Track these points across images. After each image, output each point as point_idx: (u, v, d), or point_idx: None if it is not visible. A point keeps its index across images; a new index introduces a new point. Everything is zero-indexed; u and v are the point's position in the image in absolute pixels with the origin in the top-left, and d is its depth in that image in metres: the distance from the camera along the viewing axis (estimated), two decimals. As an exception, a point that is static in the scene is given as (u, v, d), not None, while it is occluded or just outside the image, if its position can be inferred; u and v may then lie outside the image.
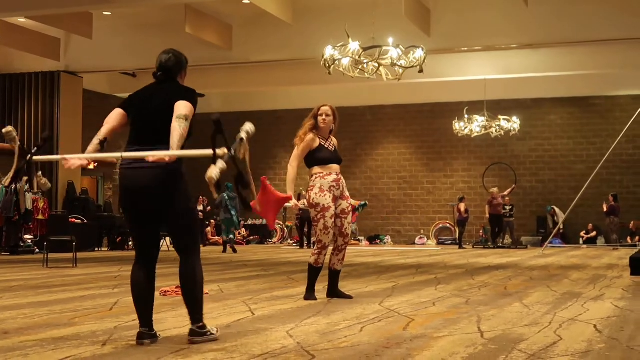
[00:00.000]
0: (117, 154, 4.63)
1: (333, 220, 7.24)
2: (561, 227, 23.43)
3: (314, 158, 7.33)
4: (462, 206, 23.61)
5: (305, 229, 23.32)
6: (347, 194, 7.45)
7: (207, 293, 8.10)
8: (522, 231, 25.59)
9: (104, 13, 19.68)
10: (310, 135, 7.31)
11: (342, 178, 7.44)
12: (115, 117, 4.81)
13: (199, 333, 4.78)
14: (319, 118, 7.34)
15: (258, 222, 28.03)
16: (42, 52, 21.36)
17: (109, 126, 4.76)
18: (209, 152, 4.39)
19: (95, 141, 4.70)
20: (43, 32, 20.98)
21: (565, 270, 12.43)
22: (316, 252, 7.34)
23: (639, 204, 25.05)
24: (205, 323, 4.86)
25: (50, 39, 21.53)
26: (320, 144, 7.33)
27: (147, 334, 4.77)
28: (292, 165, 7.33)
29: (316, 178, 7.27)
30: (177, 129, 4.53)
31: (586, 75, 22.99)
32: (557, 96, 25.95)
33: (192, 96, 4.76)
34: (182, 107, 4.62)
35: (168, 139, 4.55)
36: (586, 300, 7.53)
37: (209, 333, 4.83)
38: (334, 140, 7.51)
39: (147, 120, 4.74)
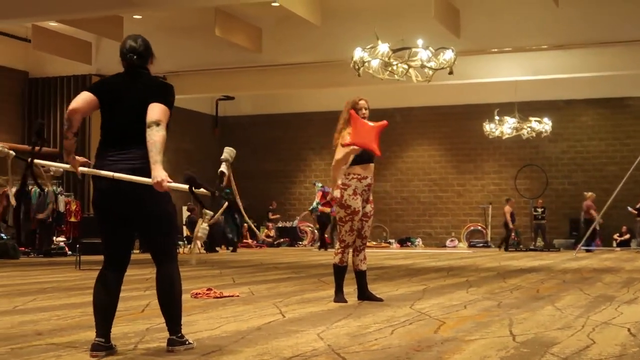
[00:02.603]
0: (109, 173, 4.37)
1: (359, 223, 7.30)
2: (597, 227, 23.12)
3: (356, 158, 7.26)
4: (507, 209, 23.21)
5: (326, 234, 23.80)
6: (371, 197, 7.47)
7: (238, 295, 8.12)
8: (555, 234, 25.36)
9: (135, 17, 19.82)
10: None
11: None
12: (85, 103, 4.49)
13: (178, 342, 4.56)
14: (359, 112, 7.27)
15: (288, 224, 28.05)
16: (74, 56, 21.57)
17: (79, 116, 4.47)
18: (204, 191, 4.35)
19: (70, 135, 4.47)
20: (75, 35, 21.18)
21: (598, 273, 12.30)
22: (340, 251, 7.38)
23: (673, 206, 24.73)
24: (184, 333, 4.66)
25: (82, 43, 21.73)
26: None
27: (102, 345, 4.42)
28: (335, 168, 7.23)
29: (353, 178, 7.26)
30: (153, 138, 4.28)
31: (618, 76, 22.75)
32: (589, 97, 25.70)
33: (167, 95, 4.50)
34: (154, 112, 4.35)
35: (141, 140, 4.35)
36: (620, 303, 7.44)
37: (187, 342, 4.61)
38: None
39: (120, 120, 4.48)
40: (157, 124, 4.31)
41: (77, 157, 4.63)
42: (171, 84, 4.66)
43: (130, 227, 4.55)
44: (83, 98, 4.50)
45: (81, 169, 4.61)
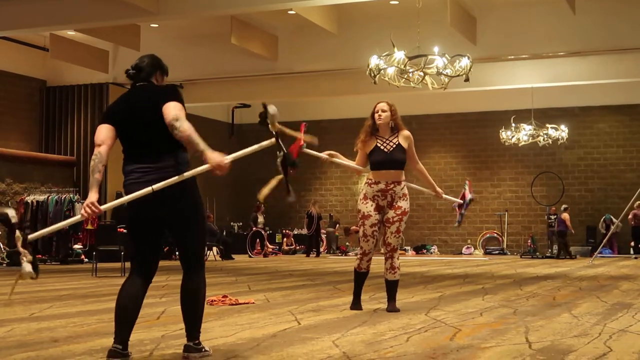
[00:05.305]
0: (147, 189, 4.33)
1: (374, 229, 7.11)
2: (616, 231, 22.92)
3: (369, 162, 7.27)
4: (565, 215, 22.88)
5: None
6: (399, 204, 7.19)
7: (253, 302, 8.12)
8: (571, 241, 25.15)
9: (152, 25, 19.93)
10: (361, 138, 7.30)
11: (397, 186, 7.21)
12: (107, 135, 4.53)
13: (195, 349, 4.56)
14: (375, 115, 7.24)
15: (305, 231, 28.03)
16: (91, 64, 21.71)
17: (106, 147, 4.49)
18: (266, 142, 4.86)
19: (102, 168, 4.43)
20: (92, 44, 21.32)
21: (615, 280, 12.23)
22: (358, 257, 7.33)
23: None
24: (201, 340, 4.64)
25: (99, 51, 21.87)
26: (376, 145, 7.22)
27: (119, 352, 4.36)
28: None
29: (365, 183, 7.25)
30: (183, 133, 4.27)
31: (635, 83, 22.63)
32: (605, 104, 25.60)
33: (174, 94, 4.50)
34: (169, 110, 4.36)
35: (166, 147, 4.39)
36: (637, 311, 7.39)
37: (204, 350, 4.60)
38: (400, 137, 7.32)
39: (138, 133, 4.48)
40: (176, 119, 4.31)
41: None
42: (174, 85, 4.62)
43: (161, 230, 4.54)
44: (104, 131, 4.54)
45: (116, 201, 4.59)
